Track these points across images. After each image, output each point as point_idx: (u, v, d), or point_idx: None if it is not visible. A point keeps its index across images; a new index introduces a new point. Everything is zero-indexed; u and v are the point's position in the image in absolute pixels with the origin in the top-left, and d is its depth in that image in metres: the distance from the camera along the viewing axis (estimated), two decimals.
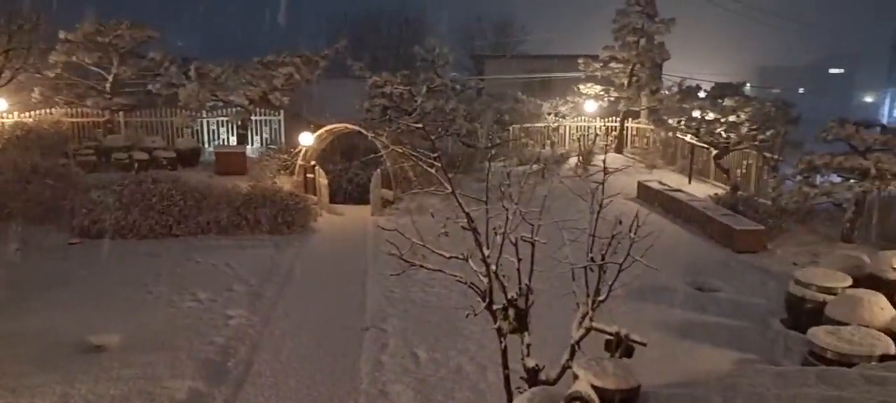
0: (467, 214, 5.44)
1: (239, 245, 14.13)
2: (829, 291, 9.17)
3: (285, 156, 18.21)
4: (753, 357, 8.60)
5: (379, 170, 16.91)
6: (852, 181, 13.00)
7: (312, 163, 17.67)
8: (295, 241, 14.55)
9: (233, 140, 21.09)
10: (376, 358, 8.84)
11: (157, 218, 14.48)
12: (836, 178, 13.39)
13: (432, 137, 9.40)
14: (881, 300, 8.53)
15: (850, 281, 9.42)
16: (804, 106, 16.98)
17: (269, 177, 17.01)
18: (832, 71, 48.89)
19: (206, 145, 21.18)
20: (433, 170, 5.64)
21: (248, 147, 20.45)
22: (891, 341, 7.46)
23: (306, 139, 17.14)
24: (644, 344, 5.11)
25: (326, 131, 17.67)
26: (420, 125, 8.82)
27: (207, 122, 21.45)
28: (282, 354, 9.03)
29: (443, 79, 18.77)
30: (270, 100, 19.42)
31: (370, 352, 9.02)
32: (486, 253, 5.52)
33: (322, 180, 17.44)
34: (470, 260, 5.73)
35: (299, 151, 17.60)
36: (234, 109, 20.27)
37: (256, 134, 21.85)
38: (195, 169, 18.21)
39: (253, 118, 21.10)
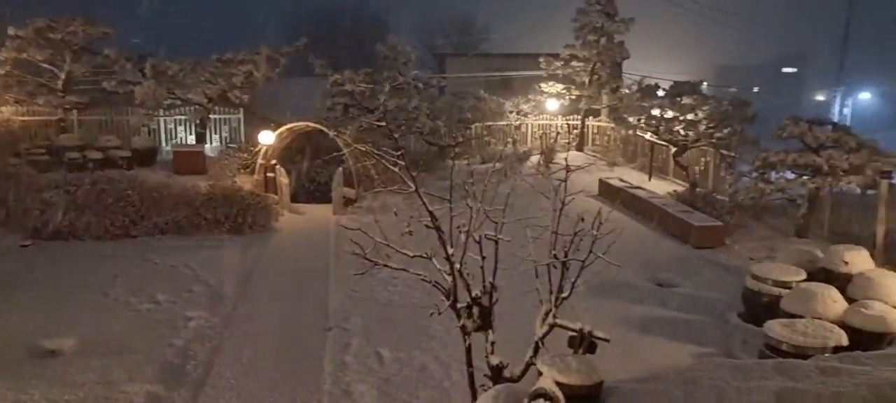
0: (431, 213, 5.42)
1: (198, 245, 13.91)
2: (784, 285, 9.39)
3: (245, 155, 17.97)
4: (712, 351, 8.77)
5: (341, 169, 16.80)
6: (805, 177, 13.32)
7: (273, 161, 17.47)
8: (256, 241, 14.38)
9: (191, 139, 20.72)
10: (339, 358, 8.77)
11: (113, 218, 14.16)
12: (790, 175, 13.71)
13: (395, 135, 9.37)
14: (833, 293, 8.76)
15: (804, 275, 9.66)
16: (759, 104, 17.35)
17: (228, 177, 16.77)
18: (785, 70, 50.10)
19: (164, 144, 20.77)
20: (396, 169, 5.61)
21: (207, 146, 20.11)
22: (843, 333, 7.67)
23: (266, 138, 16.94)
24: (607, 340, 5.16)
25: (287, 130, 17.49)
26: (383, 123, 8.77)
27: (165, 121, 21.03)
28: (243, 355, 8.91)
29: (405, 77, 18.70)
30: (229, 98, 19.13)
31: (333, 352, 8.95)
32: (450, 251, 5.51)
33: (283, 179, 17.26)
34: (434, 259, 5.72)
35: (259, 150, 17.38)
36: (192, 107, 19.91)
37: (215, 132, 21.51)
38: (152, 168, 17.85)
39: (212, 116, 20.77)
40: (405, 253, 5.79)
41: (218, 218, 14.69)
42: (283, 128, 17.36)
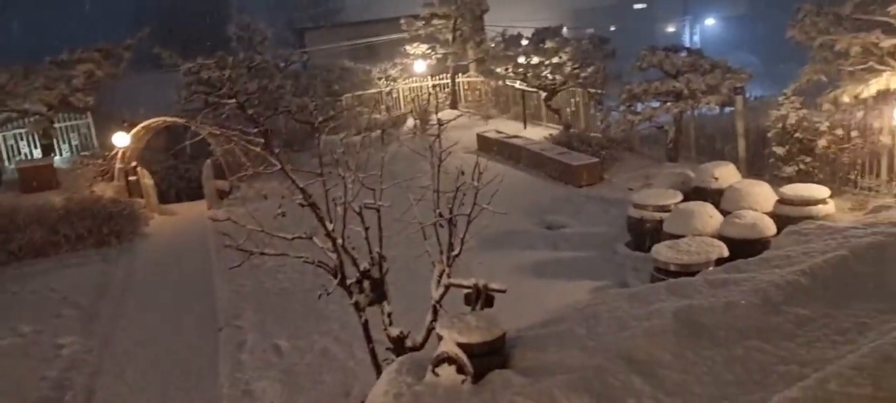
0: (302, 190, 5.06)
1: (61, 265, 12.77)
2: (664, 209, 9.73)
3: (101, 162, 16.66)
4: (607, 283, 8.97)
5: (209, 161, 15.91)
6: (669, 103, 13.86)
7: (133, 163, 16.29)
8: (126, 251, 13.39)
9: (37, 152, 18.92)
10: (235, 358, 8.39)
11: None
12: (654, 103, 14.23)
13: (261, 118, 8.88)
14: (709, 208, 9.16)
15: (680, 197, 10.05)
16: (617, 41, 17.93)
17: (85, 187, 15.49)
18: (636, 7, 52.24)
19: (7, 162, 18.88)
20: (259, 150, 5.20)
21: (57, 157, 18.48)
22: (723, 245, 8.02)
23: (121, 139, 15.74)
24: (503, 291, 5.05)
25: (143, 128, 16.33)
26: (242, 106, 8.25)
27: (3, 137, 19.08)
28: (127, 374, 8.31)
29: (263, 56, 17.88)
30: (72, 102, 17.57)
31: (227, 353, 8.54)
32: (330, 227, 5.19)
33: (147, 181, 16.15)
34: (315, 238, 5.39)
35: (116, 154, 16.15)
36: (31, 118, 18.11)
37: (64, 142, 19.76)
38: None
39: (56, 125, 19.03)
40: (284, 237, 5.43)
41: (80, 233, 13.51)
42: (138, 127, 16.19)
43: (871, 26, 9.94)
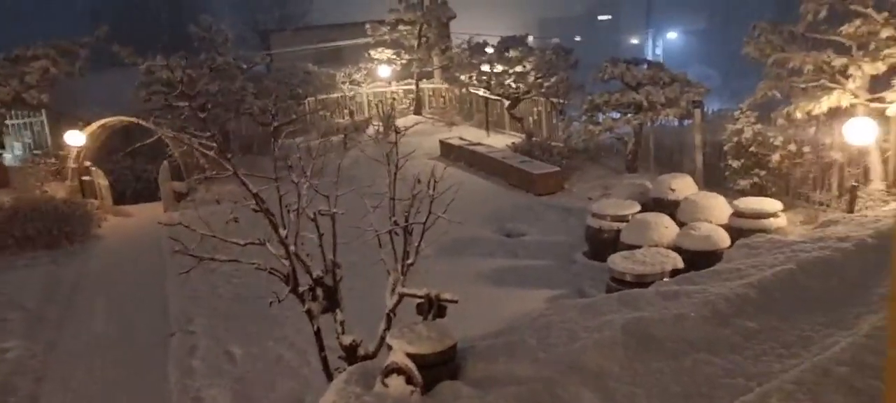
0: (255, 195, 4.98)
1: (9, 266, 12.40)
2: (622, 219, 9.82)
3: (54, 161, 16.23)
4: (564, 292, 9.00)
5: (166, 162, 15.60)
6: (629, 115, 14.03)
7: (87, 163, 15.91)
8: (77, 253, 13.05)
9: None
10: (186, 364, 8.18)
11: None
12: (615, 115, 14.39)
13: (221, 120, 8.72)
14: (665, 220, 9.28)
15: (638, 207, 10.15)
16: (581, 52, 18.09)
17: (36, 186, 15.07)
18: (601, 18, 52.96)
19: None
20: (211, 154, 5.11)
21: (8, 155, 17.95)
22: (678, 256, 8.12)
23: (75, 138, 15.35)
24: (456, 302, 5.03)
25: (99, 127, 15.96)
26: (200, 108, 8.09)
27: None
28: (73, 381, 8.07)
29: (225, 57, 17.61)
30: (26, 99, 17.06)
31: (178, 359, 8.32)
32: (283, 233, 5.11)
33: (102, 181, 15.77)
34: (268, 244, 5.30)
35: (69, 153, 15.75)
36: None
37: (16, 140, 19.20)
38: None
39: (8, 122, 18.48)
40: (236, 243, 5.33)
41: (29, 234, 13.14)
42: (94, 126, 15.82)
43: (823, 45, 10.19)
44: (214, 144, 4.94)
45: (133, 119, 15.94)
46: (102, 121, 15.98)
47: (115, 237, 14.18)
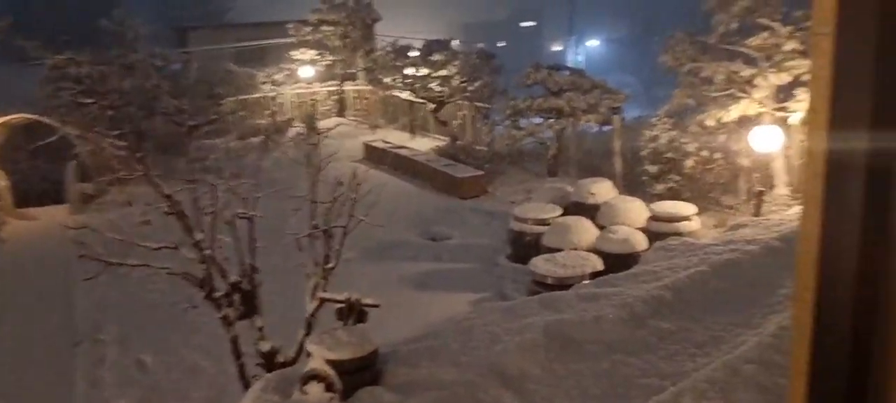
0: (167, 197, 4.77)
1: None
2: (543, 223, 9.95)
3: None
4: (487, 295, 9.04)
5: (73, 162, 14.84)
6: (551, 120, 14.27)
7: None
8: None
9: None
10: (94, 375, 7.84)
11: None
12: (538, 120, 14.61)
13: (134, 119, 8.35)
14: (585, 223, 9.46)
15: (559, 211, 10.32)
16: (504, 57, 18.31)
17: None
18: (524, 24, 53.75)
19: None
20: (122, 154, 4.87)
21: None
22: (598, 259, 8.29)
23: None
24: (377, 306, 4.96)
25: (1, 124, 15.05)
26: (108, 107, 7.72)
27: None
28: None
29: (138, 54, 16.92)
30: None
31: (85, 369, 7.96)
32: (199, 236, 4.92)
33: (2, 182, 14.87)
34: (182, 248, 5.10)
35: None
36: None
37: None
38: None
39: None
40: (147, 246, 5.10)
41: None
42: None
43: (733, 56, 10.66)
44: (124, 143, 4.70)
45: (37, 116, 15.11)
46: (4, 119, 15.08)
47: (18, 242, 13.39)
